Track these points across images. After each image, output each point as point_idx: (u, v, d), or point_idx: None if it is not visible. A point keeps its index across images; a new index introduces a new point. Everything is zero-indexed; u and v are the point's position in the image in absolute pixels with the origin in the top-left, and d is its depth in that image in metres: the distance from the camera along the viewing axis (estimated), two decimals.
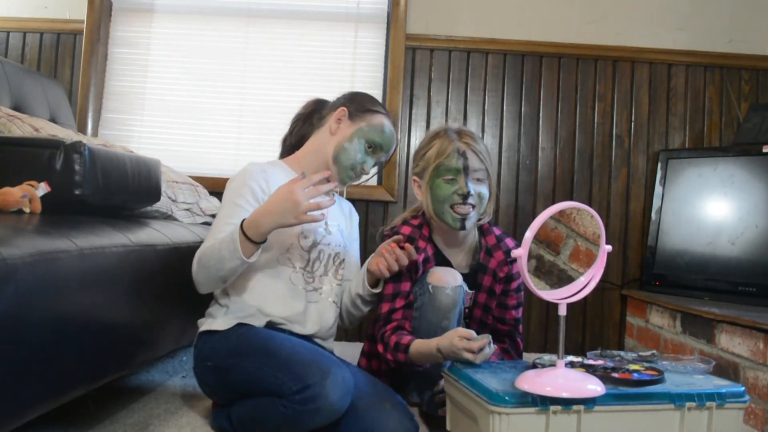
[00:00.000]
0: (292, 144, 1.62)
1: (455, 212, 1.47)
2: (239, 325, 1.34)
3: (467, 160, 1.46)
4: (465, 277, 1.51)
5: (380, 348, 1.44)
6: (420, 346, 1.36)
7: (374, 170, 1.59)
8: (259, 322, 1.36)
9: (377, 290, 1.47)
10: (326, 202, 1.28)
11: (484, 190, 1.49)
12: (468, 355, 1.24)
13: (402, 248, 1.42)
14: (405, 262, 1.42)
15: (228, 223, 1.35)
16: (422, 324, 1.44)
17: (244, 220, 1.28)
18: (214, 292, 1.43)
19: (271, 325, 1.38)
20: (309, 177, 1.29)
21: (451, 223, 1.47)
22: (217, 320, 1.37)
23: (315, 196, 1.26)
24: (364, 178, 1.56)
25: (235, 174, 1.46)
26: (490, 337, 1.26)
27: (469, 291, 1.54)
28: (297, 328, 1.41)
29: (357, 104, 1.52)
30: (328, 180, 1.31)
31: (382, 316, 1.46)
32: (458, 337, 1.26)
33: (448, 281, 1.42)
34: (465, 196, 1.45)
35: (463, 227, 1.47)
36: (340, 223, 1.57)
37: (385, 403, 1.26)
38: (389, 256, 1.40)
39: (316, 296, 1.46)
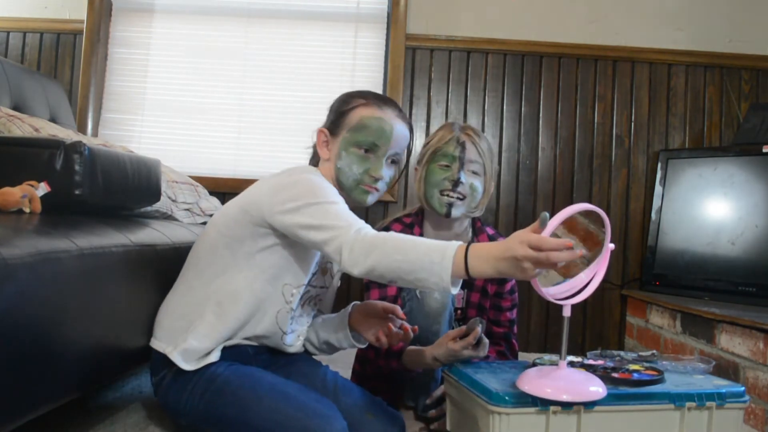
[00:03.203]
0: None
1: (443, 197, 1.45)
2: (205, 368, 1.19)
3: (464, 150, 1.45)
4: None
5: (371, 354, 1.43)
6: (413, 353, 1.35)
7: (391, 170, 1.32)
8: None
9: (363, 345, 1.36)
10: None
11: (477, 183, 1.48)
12: (468, 352, 1.24)
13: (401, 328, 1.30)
14: (399, 343, 1.30)
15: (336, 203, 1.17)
16: None
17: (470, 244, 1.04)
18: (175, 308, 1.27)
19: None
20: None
21: (437, 207, 1.46)
22: (188, 350, 1.19)
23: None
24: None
25: (299, 171, 1.27)
26: (479, 320, 1.25)
27: (460, 291, 1.53)
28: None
29: (333, 114, 1.33)
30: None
31: None
32: (451, 341, 1.25)
33: None
34: (455, 183, 1.44)
35: (448, 214, 1.46)
36: None
37: (366, 415, 1.24)
38: (395, 337, 1.27)
39: (291, 340, 1.32)
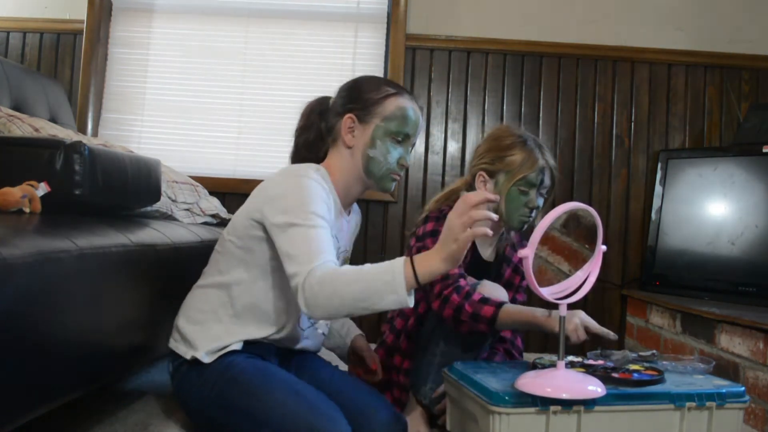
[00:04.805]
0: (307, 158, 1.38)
1: (521, 218, 1.55)
2: (223, 357, 1.21)
3: (544, 177, 1.55)
4: (490, 265, 1.62)
5: (435, 305, 1.41)
6: (514, 308, 1.37)
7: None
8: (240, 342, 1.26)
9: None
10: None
11: (541, 202, 1.59)
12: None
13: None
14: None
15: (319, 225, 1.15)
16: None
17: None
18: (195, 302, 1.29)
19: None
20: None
21: (515, 226, 1.56)
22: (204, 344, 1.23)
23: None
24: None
25: (294, 174, 1.22)
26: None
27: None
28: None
29: (361, 101, 1.29)
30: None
31: (452, 277, 1.42)
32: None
33: (497, 297, 1.43)
34: (533, 210, 1.54)
35: (521, 229, 1.59)
36: (349, 249, 1.43)
37: (370, 414, 1.25)
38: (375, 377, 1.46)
39: (311, 333, 1.36)
